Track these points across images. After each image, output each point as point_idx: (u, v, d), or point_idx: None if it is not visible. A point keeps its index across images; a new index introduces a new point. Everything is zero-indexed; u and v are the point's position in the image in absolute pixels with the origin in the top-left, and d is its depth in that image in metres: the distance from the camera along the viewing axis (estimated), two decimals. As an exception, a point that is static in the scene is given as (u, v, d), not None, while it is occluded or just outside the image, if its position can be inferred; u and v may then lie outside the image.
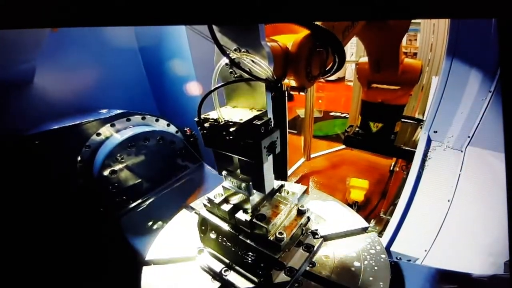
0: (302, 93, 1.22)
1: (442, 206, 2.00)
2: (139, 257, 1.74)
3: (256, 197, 1.27)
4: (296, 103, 8.32)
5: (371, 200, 4.72)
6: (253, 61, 1.02)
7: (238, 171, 1.30)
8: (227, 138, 1.08)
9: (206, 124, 1.13)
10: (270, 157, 1.16)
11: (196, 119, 1.15)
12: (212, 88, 1.07)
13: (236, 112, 1.13)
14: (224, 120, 1.07)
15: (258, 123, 1.03)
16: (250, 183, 1.22)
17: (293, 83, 1.21)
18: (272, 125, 1.11)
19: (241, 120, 1.03)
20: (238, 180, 1.25)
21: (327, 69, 1.30)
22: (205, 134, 1.17)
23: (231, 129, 1.04)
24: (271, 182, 1.27)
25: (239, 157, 1.19)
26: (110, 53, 2.87)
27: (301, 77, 1.17)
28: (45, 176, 2.09)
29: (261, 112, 1.09)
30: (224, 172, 1.31)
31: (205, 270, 1.39)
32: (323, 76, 1.31)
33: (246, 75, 1.05)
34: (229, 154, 1.21)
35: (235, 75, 1.11)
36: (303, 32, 1.14)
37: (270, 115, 1.12)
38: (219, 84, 1.10)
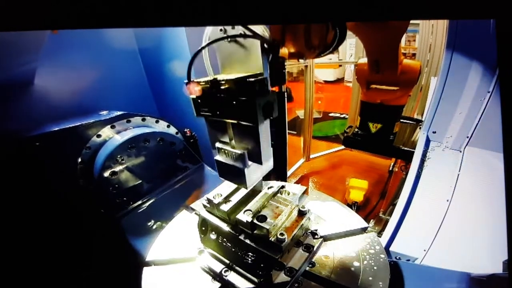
0: (301, 61, 1.19)
1: (441, 206, 2.01)
2: (140, 258, 1.74)
3: (256, 197, 1.27)
4: (296, 104, 8.32)
5: (371, 200, 4.73)
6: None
7: (233, 142, 1.20)
8: (219, 97, 1.02)
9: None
10: (267, 124, 1.09)
11: (185, 81, 1.07)
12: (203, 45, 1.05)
13: (230, 76, 1.06)
14: (217, 80, 1.01)
15: (253, 79, 0.96)
16: (246, 152, 1.14)
17: (292, 50, 1.16)
18: (269, 88, 1.04)
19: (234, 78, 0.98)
20: (232, 151, 1.17)
21: (328, 44, 1.25)
22: (195, 100, 1.11)
23: (223, 87, 1.00)
24: (268, 152, 1.18)
25: (234, 122, 1.10)
26: (110, 55, 2.88)
27: (299, 42, 1.14)
28: (46, 178, 2.09)
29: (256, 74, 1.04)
30: (218, 144, 1.23)
31: (205, 271, 1.40)
32: (324, 52, 1.25)
33: (239, 35, 1.01)
34: (222, 120, 1.12)
35: (229, 41, 1.07)
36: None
37: (266, 75, 1.06)
38: (210, 41, 1.06)
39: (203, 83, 1.06)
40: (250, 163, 1.16)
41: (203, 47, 1.05)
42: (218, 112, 1.08)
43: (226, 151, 1.19)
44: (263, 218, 1.21)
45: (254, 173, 1.20)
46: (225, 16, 0.58)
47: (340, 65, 14.12)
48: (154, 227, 2.11)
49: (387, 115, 2.90)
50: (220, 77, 1.07)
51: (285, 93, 3.83)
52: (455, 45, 2.12)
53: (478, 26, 1.98)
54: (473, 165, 2.05)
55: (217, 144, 1.22)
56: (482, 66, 2.03)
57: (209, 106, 1.09)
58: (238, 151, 1.14)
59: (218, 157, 1.23)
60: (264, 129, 1.08)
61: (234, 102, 0.99)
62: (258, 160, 1.14)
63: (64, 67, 2.56)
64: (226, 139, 1.20)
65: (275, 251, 1.18)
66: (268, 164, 1.21)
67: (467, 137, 2.11)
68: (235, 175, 1.20)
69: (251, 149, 1.13)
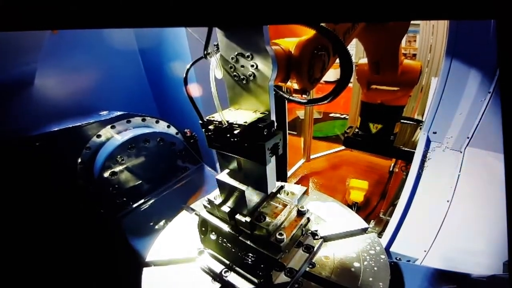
0: (304, 96, 1.23)
1: (441, 207, 2.00)
2: (140, 258, 1.74)
3: (255, 198, 1.27)
4: (296, 105, 8.32)
5: (371, 201, 4.73)
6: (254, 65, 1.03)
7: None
8: (231, 140, 1.09)
9: (211, 126, 1.13)
10: (273, 159, 1.16)
11: (200, 121, 1.16)
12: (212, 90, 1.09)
13: (239, 114, 1.13)
14: (228, 123, 1.07)
15: (262, 125, 1.03)
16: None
17: (295, 86, 1.21)
18: (275, 128, 1.12)
19: (245, 122, 1.04)
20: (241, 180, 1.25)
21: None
22: (209, 136, 1.17)
23: (236, 132, 1.05)
24: (273, 182, 1.28)
25: (243, 159, 1.20)
26: (110, 55, 2.88)
27: (303, 80, 1.18)
28: (46, 178, 2.09)
29: (264, 114, 1.10)
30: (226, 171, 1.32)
31: (205, 271, 1.40)
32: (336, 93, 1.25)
33: (248, 76, 1.07)
34: (232, 155, 1.22)
35: (234, 74, 1.12)
36: (305, 35, 1.15)
37: (273, 117, 1.13)
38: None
39: (216, 122, 1.12)
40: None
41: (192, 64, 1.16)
42: (229, 149, 1.17)
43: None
44: (263, 218, 1.21)
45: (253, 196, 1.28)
46: (227, 16, 0.58)
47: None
48: (155, 227, 2.10)
49: (388, 116, 2.90)
50: (229, 112, 1.15)
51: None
52: (456, 45, 2.12)
53: (478, 26, 1.98)
54: (474, 166, 2.05)
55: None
56: (483, 67, 2.03)
57: (221, 142, 1.17)
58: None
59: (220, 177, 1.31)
60: (271, 165, 1.16)
61: (246, 145, 1.08)
62: (264, 190, 1.25)
63: (64, 67, 2.56)
64: (235, 167, 1.28)
65: (275, 251, 1.18)
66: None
67: (468, 137, 2.11)
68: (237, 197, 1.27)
69: (258, 181, 1.21)
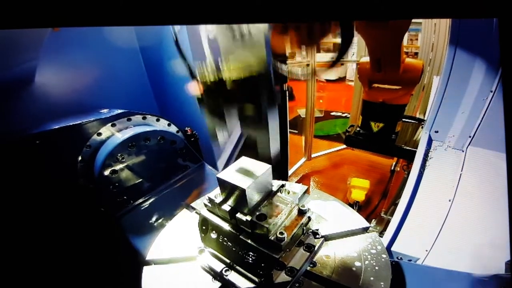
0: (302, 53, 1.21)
1: (443, 206, 2.00)
2: (140, 257, 1.74)
3: (256, 196, 1.27)
4: (297, 103, 8.32)
5: (372, 200, 4.72)
6: None
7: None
8: (227, 91, 1.06)
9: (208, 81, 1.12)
10: (276, 120, 1.14)
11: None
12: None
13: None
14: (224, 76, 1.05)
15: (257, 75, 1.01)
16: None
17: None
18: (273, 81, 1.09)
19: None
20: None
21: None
22: (200, 99, 1.15)
23: (229, 88, 1.04)
24: (276, 144, 1.26)
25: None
26: (110, 53, 2.88)
27: (302, 34, 1.16)
28: (46, 176, 2.09)
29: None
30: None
31: (206, 270, 1.39)
32: (337, 60, 1.23)
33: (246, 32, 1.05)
34: (228, 110, 1.18)
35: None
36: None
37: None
38: None
39: (209, 82, 1.11)
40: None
41: None
42: (224, 101, 1.14)
43: None
44: (263, 217, 1.20)
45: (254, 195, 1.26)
46: (226, 15, 0.57)
47: (342, 64, 14.04)
48: (155, 226, 2.10)
49: (389, 114, 2.89)
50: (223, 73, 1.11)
51: (287, 92, 3.83)
52: (458, 44, 2.11)
53: (480, 25, 1.97)
54: (476, 165, 2.04)
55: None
56: (485, 65, 2.02)
57: (216, 97, 1.14)
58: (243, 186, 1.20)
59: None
60: (273, 118, 1.16)
61: (243, 92, 1.06)
62: (266, 149, 1.25)
63: (65, 65, 2.56)
64: (225, 130, 1.26)
65: (275, 250, 1.18)
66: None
67: (470, 136, 2.10)
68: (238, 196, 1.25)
69: (260, 136, 1.20)
